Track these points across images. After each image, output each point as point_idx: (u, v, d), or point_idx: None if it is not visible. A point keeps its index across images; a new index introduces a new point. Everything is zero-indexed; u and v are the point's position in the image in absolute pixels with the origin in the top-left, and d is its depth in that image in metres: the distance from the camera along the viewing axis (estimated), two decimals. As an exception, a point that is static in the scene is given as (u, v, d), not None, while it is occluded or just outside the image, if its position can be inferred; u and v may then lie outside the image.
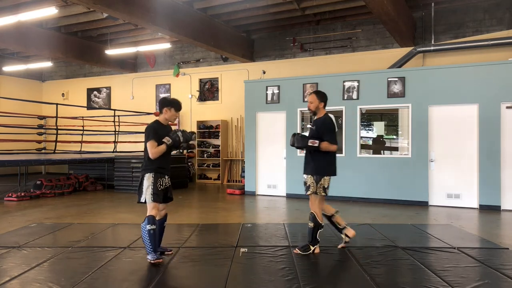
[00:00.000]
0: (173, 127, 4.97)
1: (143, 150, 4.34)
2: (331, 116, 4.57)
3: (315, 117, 4.62)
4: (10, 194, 8.86)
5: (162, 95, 13.60)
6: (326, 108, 4.65)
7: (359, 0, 9.11)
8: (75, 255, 4.43)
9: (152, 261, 4.08)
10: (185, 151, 12.54)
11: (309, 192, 4.48)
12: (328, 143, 4.37)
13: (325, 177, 4.43)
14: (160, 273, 3.84)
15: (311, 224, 4.43)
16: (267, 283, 3.61)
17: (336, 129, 4.54)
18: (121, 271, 3.96)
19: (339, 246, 4.71)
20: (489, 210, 7.50)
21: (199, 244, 4.93)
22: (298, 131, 4.50)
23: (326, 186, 4.43)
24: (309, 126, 4.58)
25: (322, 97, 4.57)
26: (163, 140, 4.13)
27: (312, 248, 4.47)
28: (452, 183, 7.91)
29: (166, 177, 4.31)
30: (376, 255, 4.45)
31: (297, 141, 4.50)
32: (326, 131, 4.43)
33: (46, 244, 4.88)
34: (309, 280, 3.64)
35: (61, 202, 8.57)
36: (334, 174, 4.52)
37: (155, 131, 4.17)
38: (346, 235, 4.66)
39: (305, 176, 4.56)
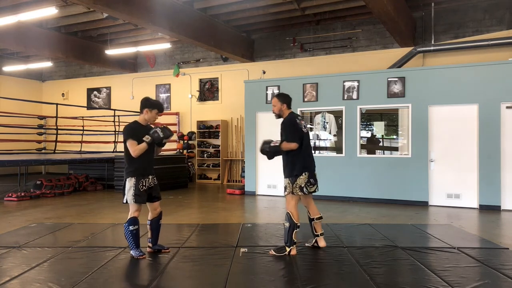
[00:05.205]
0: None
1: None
2: (294, 115, 4.60)
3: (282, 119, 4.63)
4: (10, 194, 8.86)
5: (162, 95, 13.61)
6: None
7: (359, 0, 9.11)
8: (75, 255, 4.43)
9: (135, 257, 4.19)
10: (185, 151, 12.57)
11: (286, 193, 4.50)
12: (286, 142, 4.40)
13: (301, 177, 4.41)
14: (160, 273, 3.84)
15: (286, 224, 4.38)
16: (267, 283, 3.61)
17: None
18: (121, 271, 3.97)
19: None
20: (489, 210, 7.50)
21: (199, 244, 4.93)
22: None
23: (302, 185, 4.40)
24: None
25: (284, 98, 4.63)
26: (143, 138, 4.16)
27: (288, 250, 4.37)
28: (452, 183, 7.91)
29: (150, 177, 4.32)
30: (376, 255, 4.45)
31: (265, 148, 4.46)
32: (284, 130, 4.48)
33: (46, 244, 4.88)
34: (309, 280, 3.64)
35: (61, 202, 8.57)
36: (306, 171, 4.43)
37: (133, 131, 4.22)
38: (316, 242, 4.67)
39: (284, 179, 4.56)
